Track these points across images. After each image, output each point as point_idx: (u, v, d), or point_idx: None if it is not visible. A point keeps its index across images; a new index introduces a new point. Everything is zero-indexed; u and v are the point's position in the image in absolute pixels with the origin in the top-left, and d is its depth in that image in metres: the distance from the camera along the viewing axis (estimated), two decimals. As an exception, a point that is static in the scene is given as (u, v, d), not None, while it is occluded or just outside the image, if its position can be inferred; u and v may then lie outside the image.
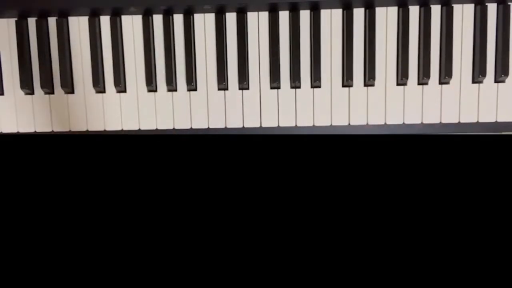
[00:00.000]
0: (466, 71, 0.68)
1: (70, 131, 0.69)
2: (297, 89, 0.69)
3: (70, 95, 0.69)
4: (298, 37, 0.67)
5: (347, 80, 0.67)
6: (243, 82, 0.68)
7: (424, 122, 0.68)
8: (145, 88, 0.69)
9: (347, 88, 0.69)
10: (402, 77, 0.67)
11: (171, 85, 0.68)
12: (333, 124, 0.69)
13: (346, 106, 0.68)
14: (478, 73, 0.67)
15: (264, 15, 0.68)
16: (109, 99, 0.69)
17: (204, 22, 0.68)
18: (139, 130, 0.69)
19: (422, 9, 0.67)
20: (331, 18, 0.68)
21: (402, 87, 0.68)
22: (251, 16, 0.68)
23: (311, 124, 0.69)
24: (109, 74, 0.69)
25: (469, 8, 0.67)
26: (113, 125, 0.69)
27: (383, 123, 0.68)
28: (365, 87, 0.68)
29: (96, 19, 0.68)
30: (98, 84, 0.68)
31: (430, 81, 0.68)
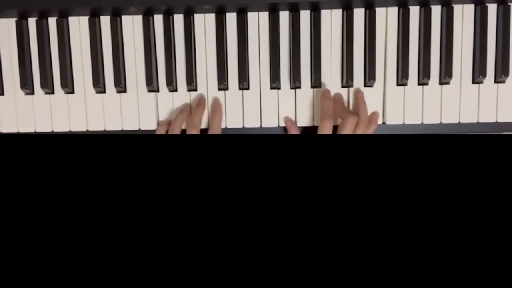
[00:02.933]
0: (466, 72, 0.68)
1: (70, 131, 0.69)
2: (297, 89, 0.69)
3: (70, 95, 0.69)
4: (298, 38, 0.67)
5: (347, 80, 0.67)
6: (243, 82, 0.68)
7: (424, 122, 0.68)
8: (145, 88, 0.69)
9: (347, 89, 0.69)
10: (402, 78, 0.67)
11: (171, 85, 0.68)
12: (333, 124, 0.68)
13: (346, 107, 0.68)
14: (478, 74, 0.67)
15: (264, 15, 0.68)
16: (109, 99, 0.69)
17: (205, 22, 0.68)
18: (139, 130, 0.69)
19: (422, 9, 0.67)
20: (331, 18, 0.68)
21: (402, 87, 0.68)
22: (251, 16, 0.68)
23: (311, 125, 0.69)
24: (109, 74, 0.69)
25: (469, 8, 0.67)
26: (113, 125, 0.69)
27: (383, 123, 0.68)
28: (365, 88, 0.68)
29: (96, 19, 0.68)
30: (98, 84, 0.68)
31: (430, 82, 0.68)
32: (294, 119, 0.69)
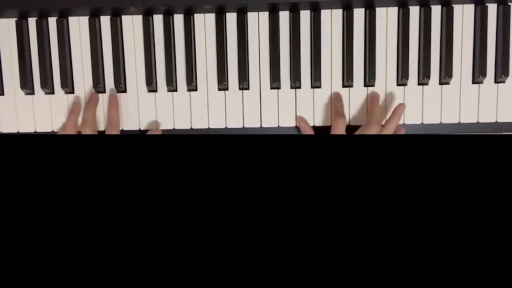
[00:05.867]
0: (466, 72, 0.68)
1: (70, 131, 0.69)
2: (297, 89, 0.69)
3: (70, 95, 0.69)
4: (298, 37, 0.67)
5: (347, 80, 0.67)
6: (243, 82, 0.68)
7: (424, 122, 0.68)
8: (145, 88, 0.69)
9: (347, 89, 0.69)
10: (402, 78, 0.67)
11: (171, 85, 0.68)
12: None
13: (346, 107, 0.68)
14: (478, 74, 0.67)
15: (264, 15, 0.68)
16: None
17: (205, 22, 0.68)
18: (139, 130, 0.69)
19: (422, 9, 0.67)
20: (331, 18, 0.68)
21: (402, 87, 0.68)
22: (251, 16, 0.68)
23: (311, 125, 0.69)
24: (109, 74, 0.69)
25: (469, 8, 0.67)
26: (113, 125, 0.69)
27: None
28: (365, 88, 0.68)
29: (96, 19, 0.68)
30: (98, 84, 0.68)
31: (430, 82, 0.68)
32: (294, 119, 0.69)
